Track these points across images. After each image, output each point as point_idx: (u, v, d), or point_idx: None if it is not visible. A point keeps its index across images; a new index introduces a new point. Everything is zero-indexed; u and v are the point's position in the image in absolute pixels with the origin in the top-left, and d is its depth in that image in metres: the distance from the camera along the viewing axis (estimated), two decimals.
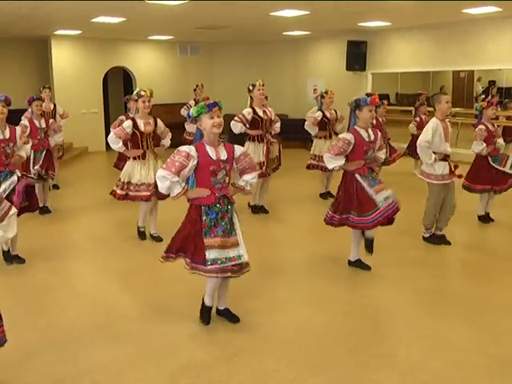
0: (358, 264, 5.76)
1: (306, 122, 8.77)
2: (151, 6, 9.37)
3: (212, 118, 4.11)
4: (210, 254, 4.14)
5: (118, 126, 6.99)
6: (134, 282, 5.57)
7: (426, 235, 6.62)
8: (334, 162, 5.38)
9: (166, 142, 6.67)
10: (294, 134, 14.21)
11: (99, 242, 6.84)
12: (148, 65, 15.70)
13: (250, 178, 4.43)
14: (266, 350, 4.07)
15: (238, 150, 4.36)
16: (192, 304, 4.73)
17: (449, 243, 6.47)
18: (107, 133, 16.73)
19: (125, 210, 7.52)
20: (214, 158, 4.18)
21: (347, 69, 14.15)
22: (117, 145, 6.33)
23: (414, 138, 10.44)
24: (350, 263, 5.81)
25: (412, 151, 10.15)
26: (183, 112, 11.31)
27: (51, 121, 8.38)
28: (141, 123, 6.32)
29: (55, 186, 9.76)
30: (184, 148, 4.19)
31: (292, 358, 3.97)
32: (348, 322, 4.54)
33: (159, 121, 6.52)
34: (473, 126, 7.61)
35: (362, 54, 14.08)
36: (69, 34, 13.64)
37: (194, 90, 12.15)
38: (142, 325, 4.51)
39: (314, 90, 15.34)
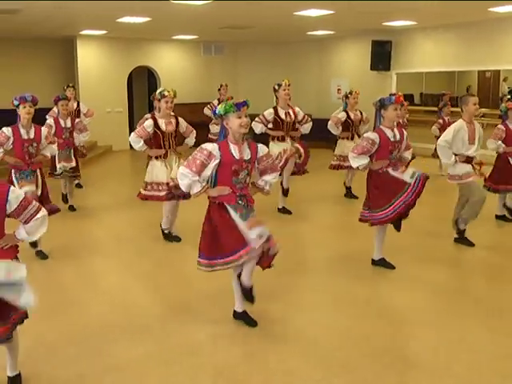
0: (382, 263, 5.71)
1: (329, 122, 8.76)
2: (176, 6, 9.40)
3: (240, 117, 4.09)
4: (258, 230, 4.08)
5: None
6: (155, 282, 5.59)
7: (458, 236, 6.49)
8: (358, 161, 5.36)
9: (190, 140, 6.68)
10: (318, 134, 14.16)
11: (123, 241, 6.88)
12: (172, 64, 15.76)
13: (271, 178, 4.42)
14: (289, 350, 4.06)
15: (262, 149, 4.34)
16: (213, 303, 4.75)
17: (472, 244, 6.38)
18: (131, 132, 16.86)
19: (148, 209, 7.55)
20: (237, 157, 4.15)
21: (371, 69, 14.06)
22: (138, 144, 6.36)
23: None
24: (374, 262, 5.77)
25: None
26: (206, 111, 11.33)
27: (77, 120, 8.49)
28: (162, 123, 6.33)
29: (78, 185, 9.84)
30: (207, 146, 4.17)
31: (315, 358, 3.94)
32: (372, 323, 4.50)
33: (181, 120, 6.53)
34: None
35: (386, 53, 13.98)
36: (94, 33, 13.77)
37: (219, 89, 12.15)
38: (164, 324, 4.52)
39: (338, 90, 15.28)
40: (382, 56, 13.97)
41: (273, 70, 15.22)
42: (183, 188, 4.24)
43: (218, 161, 4.12)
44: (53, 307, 4.83)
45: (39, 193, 5.91)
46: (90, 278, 5.69)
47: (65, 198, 8.37)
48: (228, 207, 4.18)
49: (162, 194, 6.38)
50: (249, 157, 4.21)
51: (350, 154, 5.46)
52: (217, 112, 4.18)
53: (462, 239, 6.44)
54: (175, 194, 6.25)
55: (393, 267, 5.67)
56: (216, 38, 15.47)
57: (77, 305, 4.97)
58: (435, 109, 12.02)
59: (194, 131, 6.67)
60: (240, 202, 4.21)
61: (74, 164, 8.10)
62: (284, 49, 16.07)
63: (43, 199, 5.85)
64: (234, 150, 4.16)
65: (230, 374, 3.73)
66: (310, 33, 14.28)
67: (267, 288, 4.98)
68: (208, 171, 4.15)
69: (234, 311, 4.53)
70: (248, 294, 4.40)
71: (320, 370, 3.78)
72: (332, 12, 10.41)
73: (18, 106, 5.71)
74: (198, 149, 4.17)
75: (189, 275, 5.51)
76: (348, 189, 9.02)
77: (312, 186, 9.88)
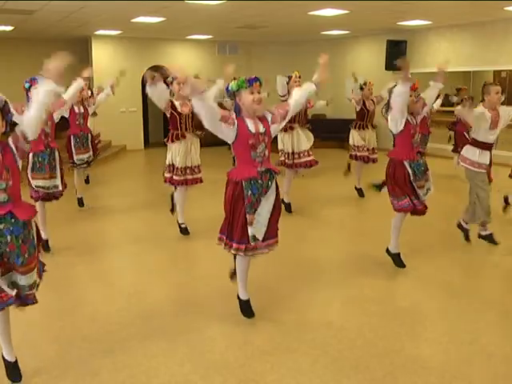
0: (395, 257, 5.69)
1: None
2: (190, 6, 9.44)
3: (252, 93, 4.06)
4: (251, 231, 4.16)
5: None
6: (169, 279, 5.61)
7: (483, 233, 6.40)
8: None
9: None
10: (332, 133, 14.19)
11: (137, 240, 6.91)
12: (186, 64, 15.77)
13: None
14: (301, 350, 4.06)
15: (269, 116, 4.26)
16: (227, 302, 4.75)
17: (496, 243, 6.34)
18: (146, 131, 16.91)
19: (163, 208, 7.57)
20: (253, 131, 4.13)
21: (386, 68, 13.98)
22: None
23: (458, 133, 10.27)
24: (388, 252, 5.75)
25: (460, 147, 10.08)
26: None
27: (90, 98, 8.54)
28: (178, 104, 6.37)
29: (86, 181, 9.83)
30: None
31: (326, 358, 3.94)
32: (384, 324, 4.49)
33: None
34: None
35: (401, 53, 13.89)
36: (109, 33, 13.85)
37: None
38: (177, 322, 4.54)
39: (353, 90, 15.20)
40: (397, 56, 13.76)
41: (287, 70, 15.05)
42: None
43: (235, 131, 4.09)
44: (66, 305, 4.88)
45: (56, 183, 6.02)
46: (104, 276, 5.73)
47: (80, 202, 8.44)
48: (244, 190, 4.14)
49: (188, 177, 6.46)
50: (264, 129, 4.19)
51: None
52: (229, 89, 4.15)
53: (487, 236, 6.37)
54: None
55: (403, 266, 5.65)
56: (230, 38, 15.49)
57: (90, 302, 5.01)
58: (451, 109, 11.92)
59: None
60: (260, 180, 4.17)
61: (90, 153, 8.14)
62: (298, 48, 16.05)
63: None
64: (249, 123, 4.14)
65: (240, 373, 3.74)
66: (324, 32, 14.25)
67: (279, 287, 4.99)
68: (225, 124, 4.05)
69: (238, 296, 4.60)
70: (244, 308, 4.52)
71: (331, 370, 3.78)
72: (347, 12, 10.39)
73: (29, 89, 5.76)
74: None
75: (202, 273, 5.53)
76: (359, 190, 9.02)
77: (324, 186, 9.88)
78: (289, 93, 7.68)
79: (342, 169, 9.26)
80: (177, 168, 6.44)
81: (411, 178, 5.36)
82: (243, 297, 4.57)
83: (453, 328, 4.42)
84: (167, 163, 6.56)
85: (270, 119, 4.25)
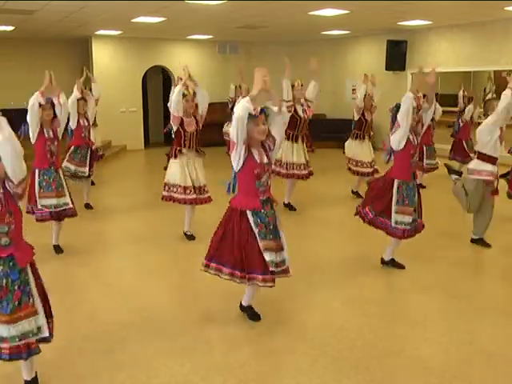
0: (392, 263, 5.71)
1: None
2: (191, 6, 9.43)
3: (257, 124, 4.04)
4: (270, 256, 4.14)
5: None
6: (169, 280, 5.62)
7: (475, 237, 6.47)
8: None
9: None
10: (332, 134, 14.19)
11: (137, 240, 6.91)
12: (187, 64, 15.76)
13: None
14: (301, 351, 4.06)
15: (268, 144, 4.22)
16: (227, 303, 4.76)
17: (488, 246, 6.37)
18: (146, 131, 16.89)
19: (163, 208, 7.58)
20: (259, 160, 4.13)
21: (386, 69, 14.00)
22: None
23: (456, 141, 10.28)
24: (383, 262, 5.77)
25: (456, 154, 10.12)
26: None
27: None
28: (186, 122, 6.38)
29: (91, 183, 9.83)
30: None
31: (326, 358, 3.94)
32: (384, 324, 4.49)
33: (198, 117, 6.51)
34: None
35: (401, 53, 13.92)
36: (109, 34, 13.84)
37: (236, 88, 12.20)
38: (177, 322, 4.54)
39: (353, 90, 15.24)
40: (397, 56, 13.91)
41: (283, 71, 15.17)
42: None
43: (244, 157, 4.06)
44: (66, 305, 4.88)
45: (66, 200, 6.03)
46: (104, 276, 5.73)
47: (88, 206, 8.48)
48: (250, 219, 4.15)
49: (177, 196, 6.47)
50: (267, 160, 4.20)
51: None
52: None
53: (479, 240, 6.43)
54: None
55: (403, 267, 5.66)
56: (231, 38, 15.49)
57: (90, 302, 5.01)
58: (451, 109, 11.93)
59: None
60: (263, 210, 4.17)
61: (84, 169, 8.12)
62: (298, 48, 16.04)
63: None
64: (254, 153, 4.13)
65: (241, 374, 3.75)
66: (324, 32, 14.25)
67: (278, 289, 4.98)
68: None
69: (240, 304, 4.59)
70: (248, 313, 4.52)
71: (331, 370, 3.78)
72: (347, 11, 10.39)
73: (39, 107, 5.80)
74: None
75: (202, 275, 5.50)
76: (355, 193, 9.03)
77: (324, 186, 9.87)
78: (293, 99, 7.69)
79: (342, 169, 9.21)
80: (179, 186, 6.45)
81: (394, 199, 5.35)
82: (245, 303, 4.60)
83: (453, 328, 4.43)
84: (165, 181, 6.57)
85: (269, 146, 4.22)
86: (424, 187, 9.48)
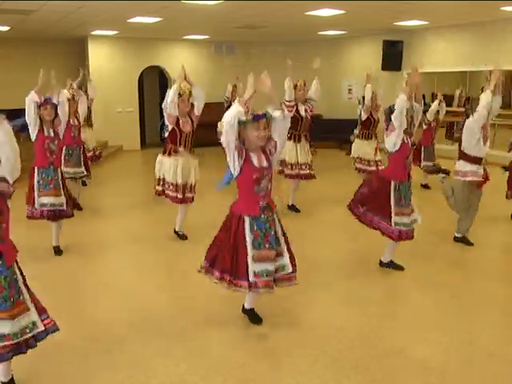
0: (392, 265, 5.70)
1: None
2: (187, 6, 9.41)
3: (258, 129, 3.98)
4: (259, 267, 4.10)
5: None
6: (167, 281, 5.61)
7: (459, 235, 6.52)
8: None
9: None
10: (328, 134, 14.19)
11: (135, 240, 6.89)
12: (183, 64, 15.73)
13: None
14: (301, 351, 4.05)
15: (269, 147, 4.15)
16: (225, 304, 4.75)
17: (471, 244, 6.42)
18: (142, 131, 16.85)
19: (160, 208, 7.57)
20: (257, 165, 4.07)
21: (383, 69, 13.99)
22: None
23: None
24: (382, 264, 5.76)
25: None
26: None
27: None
28: (181, 122, 6.37)
29: (83, 183, 9.79)
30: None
31: (326, 359, 3.93)
32: (383, 324, 4.49)
33: (193, 116, 6.51)
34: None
35: (397, 53, 13.92)
36: (105, 34, 13.81)
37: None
38: (176, 322, 4.53)
39: (349, 90, 15.24)
40: (393, 56, 13.92)
41: (284, 70, 15.16)
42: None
43: (241, 162, 4.01)
44: (64, 305, 4.86)
45: (61, 201, 6.01)
46: (103, 277, 5.70)
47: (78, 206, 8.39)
48: (246, 226, 4.11)
49: (168, 192, 6.48)
50: (267, 164, 4.12)
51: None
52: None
53: (462, 238, 6.48)
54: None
55: (402, 268, 5.65)
56: (228, 38, 15.47)
57: (89, 302, 5.00)
58: (448, 109, 11.91)
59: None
60: (263, 216, 4.13)
61: (82, 169, 8.11)
62: (295, 48, 16.02)
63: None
64: (253, 157, 4.07)
65: (240, 374, 3.73)
66: (321, 32, 14.25)
67: (278, 289, 4.97)
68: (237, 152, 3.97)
69: (243, 306, 4.56)
70: (250, 316, 4.51)
71: (330, 371, 3.77)
72: (344, 12, 10.39)
73: (39, 107, 5.84)
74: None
75: (201, 275, 5.50)
76: None
77: (322, 186, 9.85)
78: (296, 99, 7.70)
79: (340, 169, 9.23)
80: (171, 184, 6.44)
81: (392, 201, 5.35)
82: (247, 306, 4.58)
83: (452, 328, 4.42)
84: (157, 177, 6.56)
85: (270, 151, 4.14)
86: (429, 188, 9.52)
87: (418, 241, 5.87)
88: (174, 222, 6.83)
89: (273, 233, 4.16)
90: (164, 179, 6.50)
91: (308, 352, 4.03)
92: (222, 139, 3.97)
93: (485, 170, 6.21)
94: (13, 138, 3.24)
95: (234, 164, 4.02)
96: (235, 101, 3.99)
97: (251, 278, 4.09)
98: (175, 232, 6.82)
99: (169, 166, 6.45)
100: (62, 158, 7.91)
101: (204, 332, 4.34)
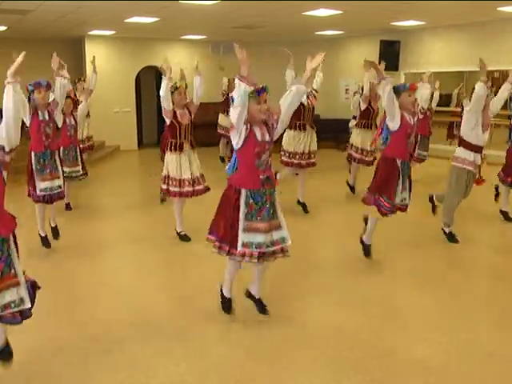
0: (367, 249, 5.88)
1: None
2: (184, 6, 9.40)
3: (259, 103, 4.05)
4: (250, 237, 4.15)
5: None
6: (166, 280, 5.60)
7: (447, 230, 6.54)
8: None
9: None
10: (326, 134, 14.15)
11: (133, 240, 6.88)
12: (180, 64, 15.70)
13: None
14: (299, 351, 4.05)
15: (271, 121, 4.23)
16: None
17: (457, 241, 6.46)
18: (139, 131, 16.82)
19: (158, 207, 7.56)
20: (260, 139, 4.13)
21: None
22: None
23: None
24: (362, 242, 5.91)
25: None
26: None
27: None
28: (179, 114, 6.37)
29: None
30: None
31: (325, 358, 3.93)
32: (383, 324, 4.48)
33: (191, 108, 6.55)
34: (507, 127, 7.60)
35: (394, 53, 13.93)
36: (103, 34, 13.80)
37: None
38: (176, 322, 4.52)
39: (346, 90, 15.23)
40: (390, 56, 13.89)
41: (281, 70, 15.13)
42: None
43: (244, 135, 4.07)
44: (63, 305, 4.86)
45: (58, 183, 6.07)
46: (102, 277, 5.69)
47: (68, 206, 8.37)
48: (242, 199, 4.15)
49: (186, 189, 6.47)
50: (269, 138, 4.19)
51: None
52: (234, 99, 4.08)
53: (449, 234, 6.52)
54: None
55: (368, 253, 5.84)
56: (225, 38, 15.44)
57: (88, 302, 4.99)
58: (445, 109, 11.94)
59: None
60: (263, 188, 4.17)
61: (79, 168, 8.07)
62: (293, 49, 15.94)
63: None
64: (257, 132, 4.13)
65: (238, 374, 3.73)
66: (318, 33, 14.25)
67: (277, 287, 4.98)
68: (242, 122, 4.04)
69: (248, 291, 4.62)
70: (258, 305, 4.55)
71: (330, 371, 3.77)
72: (341, 12, 10.39)
73: (32, 92, 5.86)
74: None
75: (201, 275, 5.51)
76: (351, 187, 9.09)
77: (322, 186, 9.87)
78: None
79: (339, 169, 9.24)
80: (174, 179, 6.44)
81: (399, 178, 5.41)
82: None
83: (452, 327, 4.42)
84: (163, 174, 6.55)
85: (272, 125, 4.21)
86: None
87: (418, 240, 5.90)
88: (174, 222, 6.81)
89: (268, 206, 4.19)
90: (169, 176, 6.48)
91: (308, 352, 4.02)
92: (232, 116, 4.01)
93: (482, 160, 6.26)
94: (17, 104, 3.29)
95: (239, 137, 4.09)
96: (236, 77, 4.06)
97: (239, 248, 4.15)
98: (177, 233, 6.79)
99: (171, 162, 6.45)
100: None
101: (204, 332, 4.34)
